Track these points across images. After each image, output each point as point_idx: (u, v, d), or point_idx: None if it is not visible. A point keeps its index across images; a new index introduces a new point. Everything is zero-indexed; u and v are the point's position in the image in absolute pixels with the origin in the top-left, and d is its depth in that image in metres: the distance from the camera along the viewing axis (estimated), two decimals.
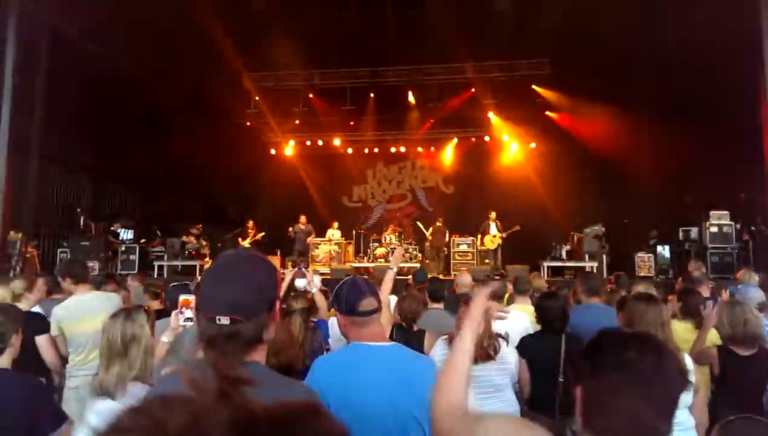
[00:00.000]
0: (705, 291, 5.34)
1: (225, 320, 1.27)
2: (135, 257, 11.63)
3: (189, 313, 2.96)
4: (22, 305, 4.18)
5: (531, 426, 1.26)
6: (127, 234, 12.68)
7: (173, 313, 2.97)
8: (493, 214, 13.65)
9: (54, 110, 10.29)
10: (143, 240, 12.55)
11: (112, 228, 12.73)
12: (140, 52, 12.31)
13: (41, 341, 3.66)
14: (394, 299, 5.31)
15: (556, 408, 3.77)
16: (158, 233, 12.94)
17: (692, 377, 2.86)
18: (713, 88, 10.48)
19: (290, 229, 13.74)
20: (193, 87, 13.68)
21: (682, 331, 3.90)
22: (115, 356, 2.48)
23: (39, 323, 3.76)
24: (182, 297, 2.95)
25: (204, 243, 12.81)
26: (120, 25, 10.80)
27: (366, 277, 7.49)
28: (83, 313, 3.82)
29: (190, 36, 11.38)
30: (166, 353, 2.89)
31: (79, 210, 13.35)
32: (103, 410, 2.44)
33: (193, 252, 12.40)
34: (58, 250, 11.61)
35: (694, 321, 4.07)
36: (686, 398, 2.85)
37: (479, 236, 13.72)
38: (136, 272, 10.94)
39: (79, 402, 3.91)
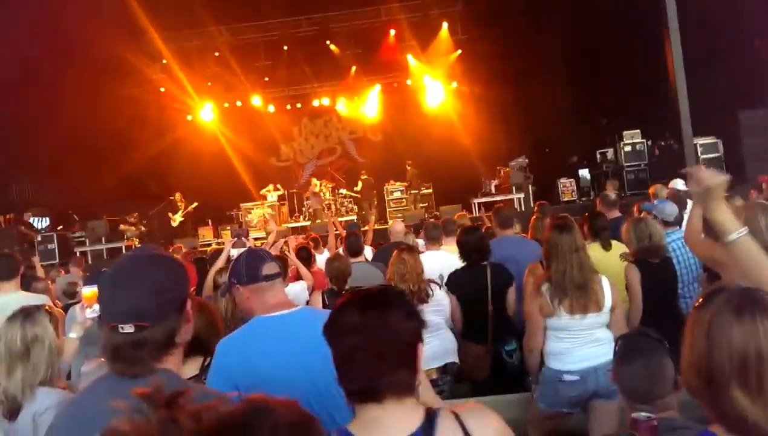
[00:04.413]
0: (617, 212, 5.64)
1: (129, 328, 1.20)
2: (54, 246, 10.93)
3: (97, 305, 2.82)
4: None
5: None
6: (41, 223, 11.88)
7: (77, 307, 2.82)
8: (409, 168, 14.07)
9: None
10: (60, 227, 11.81)
11: (24, 218, 11.89)
12: (32, 26, 11.20)
13: None
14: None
15: (488, 335, 3.98)
16: (76, 217, 12.23)
17: (609, 297, 3.03)
18: (618, 14, 10.76)
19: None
20: (95, 56, 12.63)
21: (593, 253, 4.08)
22: (17, 360, 2.31)
23: None
24: (86, 290, 2.79)
25: (143, 228, 12.36)
26: None
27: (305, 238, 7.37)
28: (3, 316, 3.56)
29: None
30: (77, 348, 2.76)
31: None
32: None
33: (135, 240, 11.98)
34: None
35: (600, 241, 4.28)
36: (602, 317, 3.03)
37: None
38: (57, 261, 10.36)
39: None
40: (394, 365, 1.22)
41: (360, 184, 14.09)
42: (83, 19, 11.17)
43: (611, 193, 6.59)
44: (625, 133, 11.54)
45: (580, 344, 3.01)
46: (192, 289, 1.30)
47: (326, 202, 14.17)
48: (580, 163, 12.81)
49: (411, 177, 14.15)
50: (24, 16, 10.74)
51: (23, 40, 11.35)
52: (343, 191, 14.49)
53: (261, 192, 14.31)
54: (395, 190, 14.31)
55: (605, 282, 3.06)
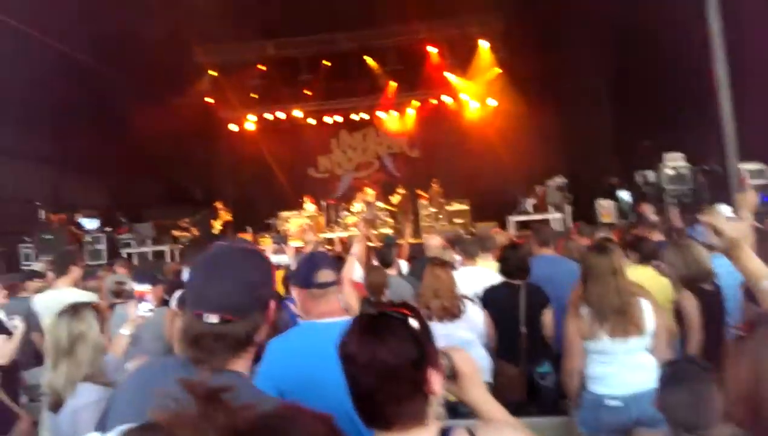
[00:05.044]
0: (658, 235, 5.55)
1: (214, 318, 1.18)
2: (102, 247, 11.39)
3: (148, 304, 2.96)
4: None
5: None
6: (91, 224, 12.38)
7: (130, 303, 2.97)
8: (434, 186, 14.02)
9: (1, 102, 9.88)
10: (109, 229, 12.29)
11: (75, 219, 12.41)
12: (87, 35, 11.80)
13: None
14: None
15: (521, 356, 3.89)
16: (122, 219, 12.69)
17: (651, 320, 2.95)
18: (663, 33, 10.62)
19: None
20: (146, 67, 13.20)
21: (645, 277, 3.93)
22: (62, 355, 2.42)
23: None
24: (137, 288, 2.94)
25: (196, 233, 12.73)
26: (61, 6, 10.29)
27: (332, 248, 7.47)
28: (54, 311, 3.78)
29: (138, 14, 10.96)
30: (127, 345, 2.91)
31: (38, 203, 12.93)
32: None
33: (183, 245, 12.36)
34: (20, 245, 11.29)
35: (651, 265, 4.17)
36: (645, 341, 2.95)
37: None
38: (105, 261, 10.77)
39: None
40: (394, 399, 1.16)
41: (398, 197, 14.20)
42: (138, 30, 11.70)
43: (651, 216, 6.50)
44: (667, 155, 11.28)
45: (622, 368, 2.94)
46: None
47: (363, 215, 14.30)
48: (620, 184, 12.58)
49: (432, 195, 14.11)
50: (80, 18, 11.24)
51: (76, 43, 11.90)
52: (380, 204, 14.60)
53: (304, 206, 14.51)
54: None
55: (646, 305, 2.99)
